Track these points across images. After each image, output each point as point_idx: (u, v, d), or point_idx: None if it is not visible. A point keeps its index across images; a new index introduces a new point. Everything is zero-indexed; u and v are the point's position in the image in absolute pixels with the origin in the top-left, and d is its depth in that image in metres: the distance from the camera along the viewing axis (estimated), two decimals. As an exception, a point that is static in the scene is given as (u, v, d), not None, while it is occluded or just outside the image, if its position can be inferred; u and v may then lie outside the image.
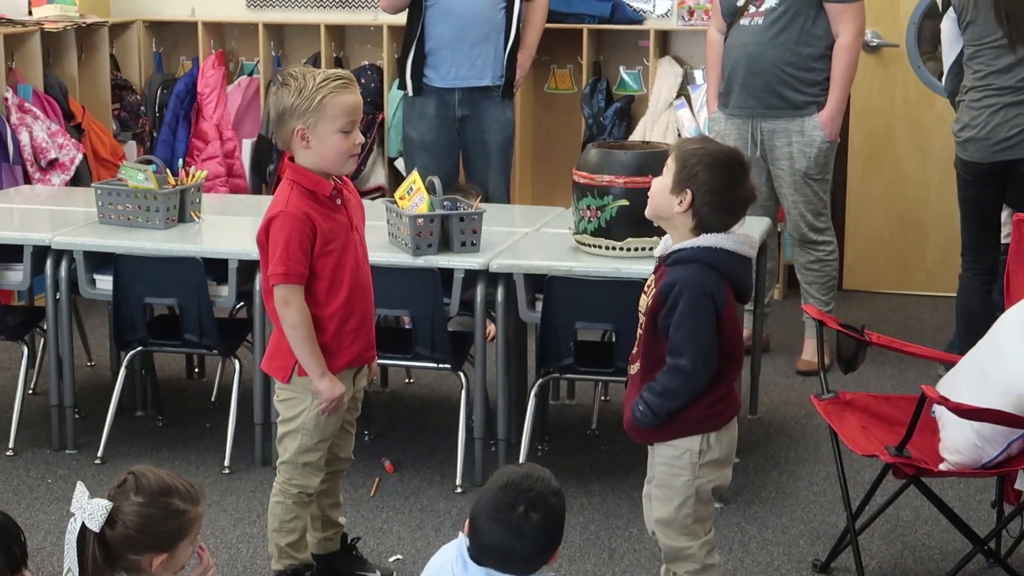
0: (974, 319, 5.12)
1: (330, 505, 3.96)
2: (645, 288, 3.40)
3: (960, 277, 5.47)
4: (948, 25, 5.34)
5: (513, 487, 2.72)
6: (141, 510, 2.71)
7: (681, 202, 3.28)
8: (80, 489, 2.71)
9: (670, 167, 3.32)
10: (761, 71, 5.67)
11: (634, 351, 3.42)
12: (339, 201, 3.66)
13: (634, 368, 3.41)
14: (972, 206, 5.35)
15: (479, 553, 2.73)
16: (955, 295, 5.58)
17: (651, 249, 3.49)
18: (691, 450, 3.35)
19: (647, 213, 3.41)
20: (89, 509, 2.67)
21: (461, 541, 2.78)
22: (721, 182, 3.28)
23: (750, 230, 4.85)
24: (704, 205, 3.27)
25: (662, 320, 3.28)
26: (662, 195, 3.32)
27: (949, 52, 5.35)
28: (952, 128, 5.32)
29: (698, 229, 3.29)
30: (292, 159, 3.65)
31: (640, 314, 3.39)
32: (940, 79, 6.82)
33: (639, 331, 3.39)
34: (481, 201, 4.98)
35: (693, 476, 3.36)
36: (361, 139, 3.63)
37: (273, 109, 3.62)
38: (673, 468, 3.37)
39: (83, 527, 2.67)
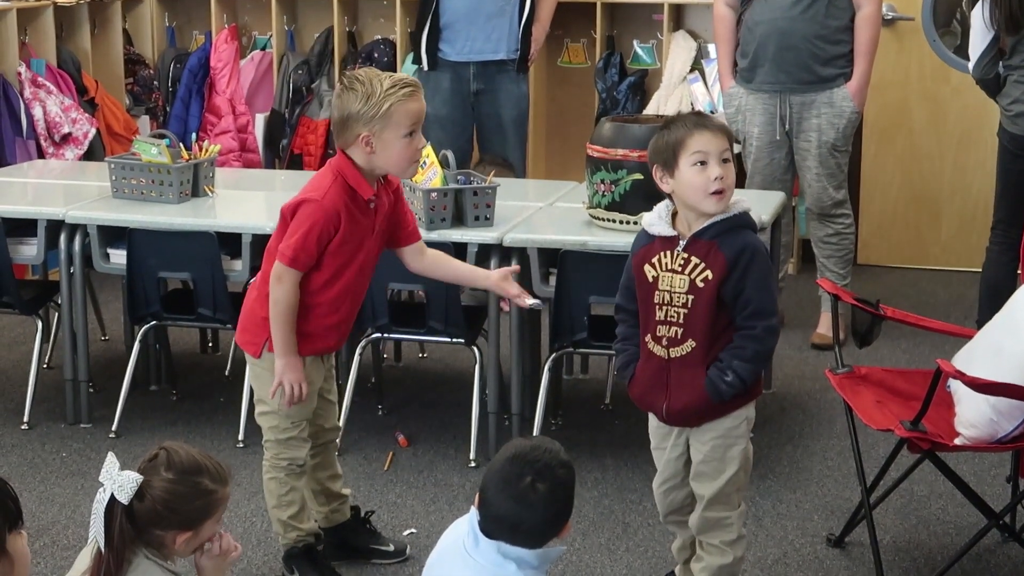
0: (998, 293, 5.08)
1: (328, 477, 3.96)
2: (675, 267, 3.34)
3: (988, 250, 5.44)
4: (980, 12, 5.28)
5: (520, 458, 2.72)
6: (170, 486, 2.71)
7: None
8: (111, 460, 2.71)
9: (728, 142, 3.35)
10: (793, 45, 5.66)
11: (675, 333, 3.37)
12: (372, 205, 3.66)
13: (682, 349, 3.36)
14: (1014, 179, 5.31)
15: (489, 525, 2.74)
16: (970, 269, 5.56)
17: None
18: (748, 417, 3.41)
19: (723, 206, 3.32)
20: (119, 481, 2.68)
21: (473, 515, 2.78)
22: None
23: (766, 204, 4.86)
24: None
25: (732, 287, 3.27)
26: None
27: (980, 40, 5.30)
28: (1001, 102, 5.29)
29: None
30: (344, 150, 3.64)
31: (677, 295, 3.34)
32: (955, 53, 6.81)
33: (679, 311, 3.34)
34: (508, 174, 4.97)
35: (747, 443, 3.41)
36: (424, 143, 3.66)
37: (337, 112, 3.59)
38: (728, 439, 3.39)
39: (111, 498, 2.67)
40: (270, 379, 3.69)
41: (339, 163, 3.63)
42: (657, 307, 3.38)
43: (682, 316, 3.35)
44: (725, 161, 3.30)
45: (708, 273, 3.29)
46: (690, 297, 3.32)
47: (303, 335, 3.67)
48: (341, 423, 4.37)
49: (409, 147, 3.58)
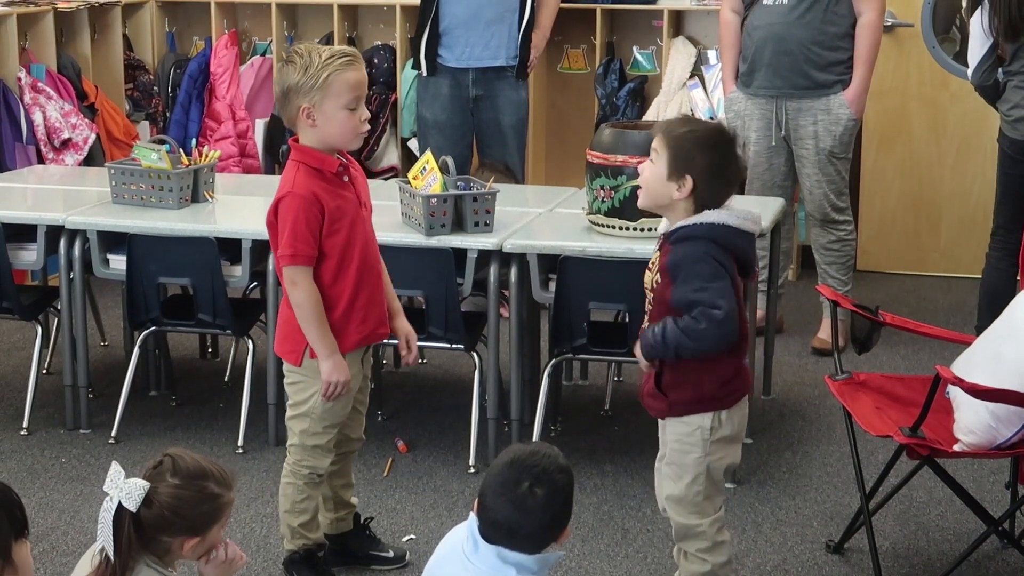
0: (998, 299, 5.08)
1: (342, 486, 3.96)
2: (650, 265, 3.40)
3: (987, 256, 5.43)
4: (979, 19, 5.28)
5: (519, 463, 2.74)
6: (177, 492, 2.71)
7: (681, 188, 3.29)
8: (115, 468, 2.71)
9: (660, 153, 3.32)
10: (788, 51, 5.66)
11: (643, 327, 3.42)
12: (346, 178, 3.66)
13: None
14: (1014, 184, 5.31)
15: (487, 530, 2.74)
16: (969, 275, 5.55)
17: (665, 229, 3.49)
18: (702, 427, 3.36)
19: (641, 204, 3.42)
20: (126, 488, 2.67)
21: (472, 521, 2.79)
22: (717, 161, 3.31)
23: (765, 210, 4.86)
24: (704, 186, 3.29)
25: (674, 295, 3.28)
26: (659, 183, 3.32)
27: (979, 47, 5.30)
28: (1000, 108, 5.29)
29: (698, 208, 3.31)
30: (296, 139, 3.66)
31: (647, 290, 3.41)
32: (955, 59, 6.81)
33: (647, 307, 3.41)
34: (508, 180, 4.97)
35: (704, 453, 3.37)
36: (367, 115, 3.62)
37: (278, 87, 3.63)
38: (684, 445, 3.38)
39: (119, 506, 2.67)
40: (310, 384, 3.69)
41: (295, 152, 3.64)
42: (646, 302, 3.44)
43: (649, 312, 3.42)
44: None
45: (659, 275, 3.35)
46: (652, 295, 3.38)
47: (339, 330, 3.66)
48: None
49: (351, 119, 3.57)
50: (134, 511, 2.67)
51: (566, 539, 2.81)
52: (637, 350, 3.40)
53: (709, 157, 3.29)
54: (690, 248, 3.27)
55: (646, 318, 3.43)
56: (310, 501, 3.81)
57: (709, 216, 3.29)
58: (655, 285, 3.35)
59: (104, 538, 2.68)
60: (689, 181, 3.27)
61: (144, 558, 2.71)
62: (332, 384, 3.65)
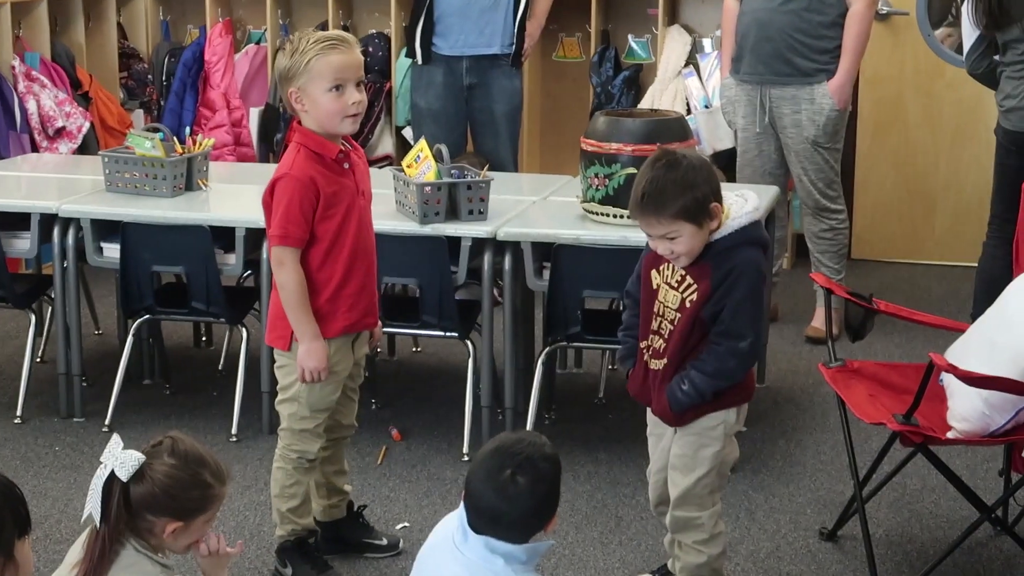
0: (994, 288, 5.07)
1: (334, 472, 3.96)
2: (672, 283, 3.34)
3: (984, 245, 5.44)
4: (966, 8, 5.29)
5: (503, 451, 2.73)
6: (171, 471, 2.72)
7: (714, 216, 3.23)
8: (115, 440, 2.72)
9: (678, 226, 3.20)
10: (770, 37, 5.65)
11: (659, 346, 3.38)
12: (347, 165, 3.66)
13: (659, 363, 3.38)
14: (1010, 174, 5.31)
15: (473, 518, 2.73)
16: (963, 263, 5.55)
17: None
18: (726, 422, 3.38)
19: (685, 264, 3.29)
20: (121, 458, 2.69)
21: (462, 510, 2.78)
22: (711, 172, 3.28)
23: (761, 200, 4.86)
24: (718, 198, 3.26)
25: (712, 307, 3.26)
26: (700, 239, 3.24)
27: (969, 35, 5.29)
28: (996, 98, 5.29)
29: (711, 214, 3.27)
30: (300, 122, 3.66)
31: (669, 310, 3.34)
32: (950, 48, 6.81)
33: (668, 326, 3.35)
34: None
35: (722, 447, 3.38)
36: (358, 97, 3.59)
37: (275, 74, 3.64)
38: (702, 439, 3.38)
39: (111, 475, 2.68)
40: (294, 369, 3.69)
41: (297, 134, 3.64)
42: (653, 316, 3.39)
43: (668, 332, 3.36)
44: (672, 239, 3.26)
45: (695, 295, 3.29)
46: (678, 315, 3.33)
47: (324, 315, 3.66)
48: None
49: (336, 101, 3.55)
50: (124, 481, 2.67)
51: (553, 528, 2.80)
52: (663, 408, 3.38)
53: (705, 175, 3.24)
54: (740, 257, 3.25)
55: (660, 342, 3.38)
56: (299, 486, 3.81)
57: (741, 220, 3.26)
58: (689, 304, 3.29)
59: (92, 505, 2.68)
60: (716, 207, 3.23)
61: (131, 540, 2.71)
62: (306, 370, 3.65)
